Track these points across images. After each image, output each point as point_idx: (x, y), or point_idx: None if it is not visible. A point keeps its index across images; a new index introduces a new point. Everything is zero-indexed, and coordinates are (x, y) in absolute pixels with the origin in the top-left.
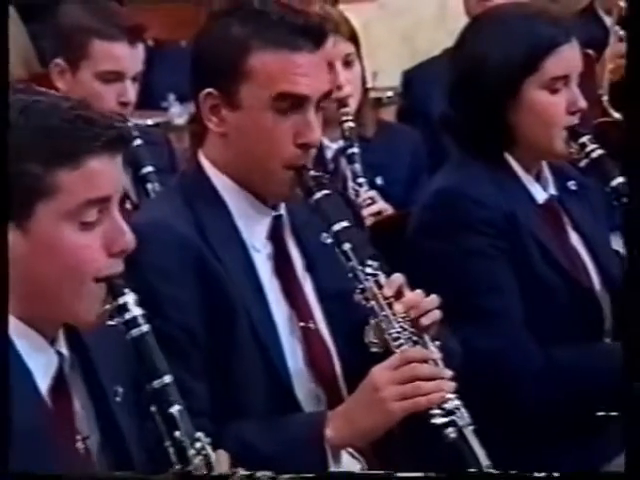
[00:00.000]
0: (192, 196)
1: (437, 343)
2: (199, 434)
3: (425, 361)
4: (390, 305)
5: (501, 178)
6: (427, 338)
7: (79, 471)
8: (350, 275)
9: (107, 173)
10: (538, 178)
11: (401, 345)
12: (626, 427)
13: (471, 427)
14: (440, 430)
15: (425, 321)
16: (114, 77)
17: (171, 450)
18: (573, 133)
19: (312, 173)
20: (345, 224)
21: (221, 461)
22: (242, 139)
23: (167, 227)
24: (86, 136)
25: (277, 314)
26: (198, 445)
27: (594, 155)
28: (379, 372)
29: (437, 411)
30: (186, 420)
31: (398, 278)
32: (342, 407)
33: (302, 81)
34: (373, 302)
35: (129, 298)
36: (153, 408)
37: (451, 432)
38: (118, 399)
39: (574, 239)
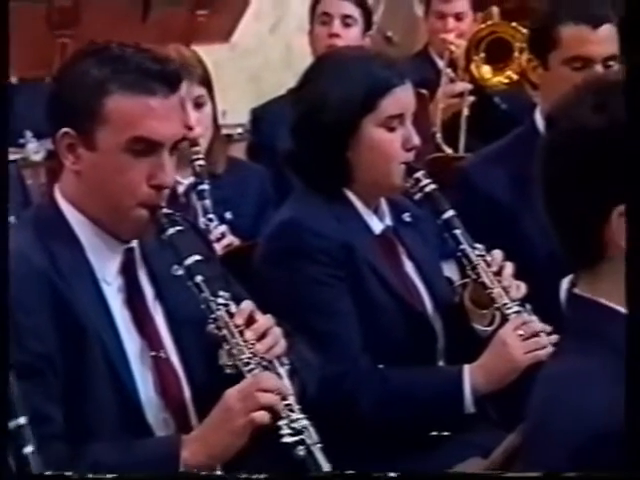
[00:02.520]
0: (45, 229)
1: (286, 367)
2: None
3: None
4: (241, 332)
5: (340, 211)
6: (276, 363)
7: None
8: (203, 306)
9: None
10: (376, 211)
11: (252, 370)
12: (626, 427)
13: (319, 445)
14: (290, 448)
15: (267, 347)
16: None
17: None
18: (408, 168)
19: (165, 211)
20: (197, 258)
21: None
22: (97, 178)
23: (22, 259)
24: None
25: (128, 344)
26: None
27: (427, 190)
28: (231, 394)
29: (287, 430)
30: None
31: (248, 306)
32: (197, 430)
33: (157, 126)
34: (225, 331)
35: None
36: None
37: (300, 450)
38: None
39: (408, 267)
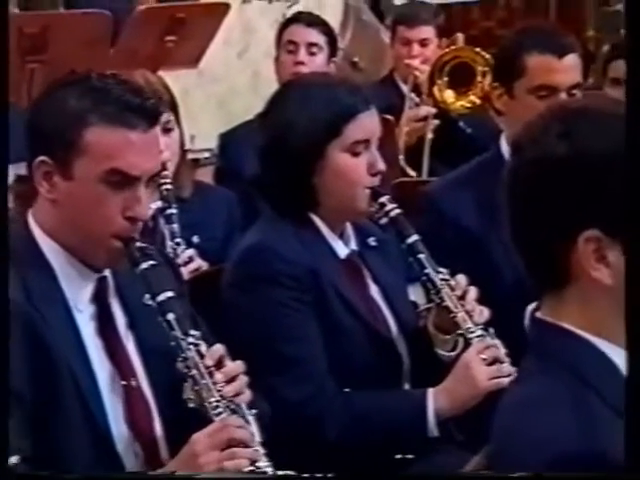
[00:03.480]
0: (18, 256)
1: (253, 411)
2: None
3: (241, 428)
4: (211, 374)
5: (306, 235)
6: (244, 407)
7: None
8: (173, 344)
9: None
10: (341, 235)
11: (220, 414)
12: (627, 426)
13: None
14: None
15: (236, 391)
16: None
17: None
18: (374, 193)
19: (139, 244)
20: (169, 294)
21: None
22: (72, 207)
23: None
24: None
25: (99, 372)
26: None
27: (392, 214)
28: (199, 439)
29: (250, 467)
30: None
31: (219, 349)
32: (163, 470)
33: (135, 160)
34: (195, 371)
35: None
36: None
37: None
38: None
39: (374, 291)
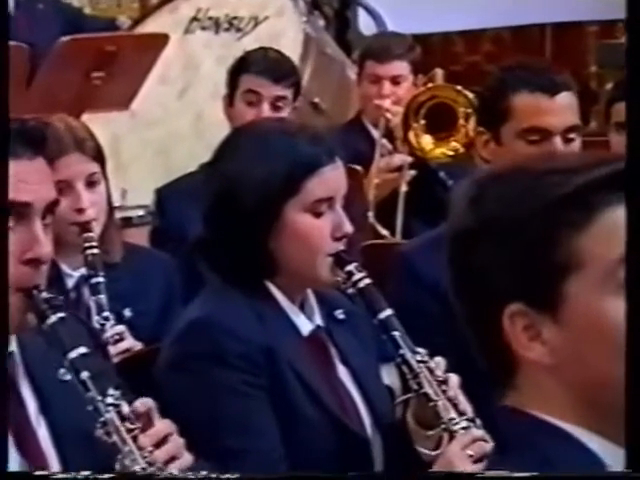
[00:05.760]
0: None
1: None
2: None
3: None
4: (135, 438)
5: (262, 308)
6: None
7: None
8: (90, 407)
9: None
10: (303, 307)
11: None
12: (627, 426)
13: None
14: None
15: (168, 456)
16: None
17: None
18: (339, 260)
19: (45, 295)
20: (83, 350)
21: None
22: None
23: None
24: None
25: (11, 462)
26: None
27: (361, 285)
28: None
29: None
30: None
31: (144, 405)
32: None
33: (22, 188)
34: (115, 436)
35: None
36: None
37: None
38: None
39: (342, 374)
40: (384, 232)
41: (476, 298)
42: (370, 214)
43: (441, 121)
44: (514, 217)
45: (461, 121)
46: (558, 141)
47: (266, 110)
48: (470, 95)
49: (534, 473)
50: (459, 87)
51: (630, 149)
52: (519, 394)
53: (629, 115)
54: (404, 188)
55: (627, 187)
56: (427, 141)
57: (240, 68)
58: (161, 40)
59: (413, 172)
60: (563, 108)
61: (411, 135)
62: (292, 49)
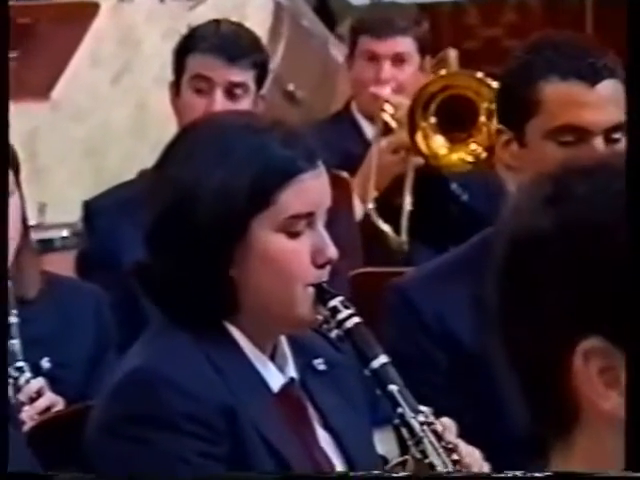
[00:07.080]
0: None
1: None
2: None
3: None
4: None
5: (220, 356)
6: None
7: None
8: None
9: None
10: (273, 356)
11: None
12: (627, 426)
13: None
14: None
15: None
16: None
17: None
18: (320, 293)
19: None
20: None
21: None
22: None
23: None
24: None
25: None
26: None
27: (348, 324)
28: None
29: None
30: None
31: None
32: None
33: None
34: None
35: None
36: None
37: None
38: None
39: (323, 439)
40: (385, 228)
41: (537, 327)
42: (370, 207)
43: (457, 119)
44: (603, 222)
45: (482, 118)
46: (599, 143)
47: (219, 99)
48: (494, 84)
49: (532, 473)
50: (480, 74)
51: (630, 149)
52: (570, 458)
53: (629, 115)
54: (411, 174)
55: (627, 187)
56: (440, 144)
57: (186, 47)
58: (89, 10)
59: (420, 160)
60: (606, 100)
61: (419, 137)
62: (259, 21)
